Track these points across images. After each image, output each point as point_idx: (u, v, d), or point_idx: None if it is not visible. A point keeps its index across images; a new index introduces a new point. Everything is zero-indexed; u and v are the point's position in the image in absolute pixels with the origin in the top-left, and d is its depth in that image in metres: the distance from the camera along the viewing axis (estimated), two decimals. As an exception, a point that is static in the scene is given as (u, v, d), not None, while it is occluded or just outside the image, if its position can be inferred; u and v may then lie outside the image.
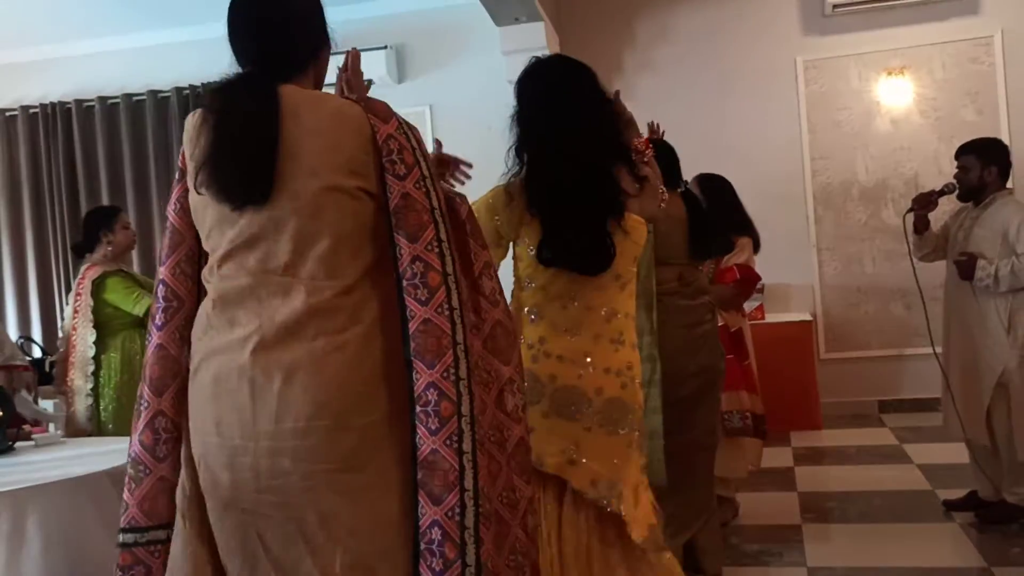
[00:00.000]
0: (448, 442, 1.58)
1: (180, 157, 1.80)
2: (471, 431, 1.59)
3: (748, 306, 5.71)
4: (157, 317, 1.77)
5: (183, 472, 1.74)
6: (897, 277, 6.54)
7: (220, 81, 1.71)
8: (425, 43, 6.99)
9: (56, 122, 7.63)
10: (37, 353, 5.49)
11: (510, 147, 2.45)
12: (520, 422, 1.77)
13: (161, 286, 1.79)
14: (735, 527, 4.06)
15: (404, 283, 1.63)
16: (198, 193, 1.69)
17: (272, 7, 1.77)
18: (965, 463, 4.23)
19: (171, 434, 1.74)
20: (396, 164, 1.66)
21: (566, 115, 2.39)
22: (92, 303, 4.30)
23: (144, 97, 7.56)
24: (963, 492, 4.10)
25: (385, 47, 7.02)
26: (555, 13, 6.89)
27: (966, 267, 3.71)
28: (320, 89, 1.84)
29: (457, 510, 1.57)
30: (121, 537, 1.73)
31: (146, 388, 1.75)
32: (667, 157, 3.28)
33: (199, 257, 1.80)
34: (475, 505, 1.58)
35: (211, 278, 1.72)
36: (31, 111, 7.64)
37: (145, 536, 1.73)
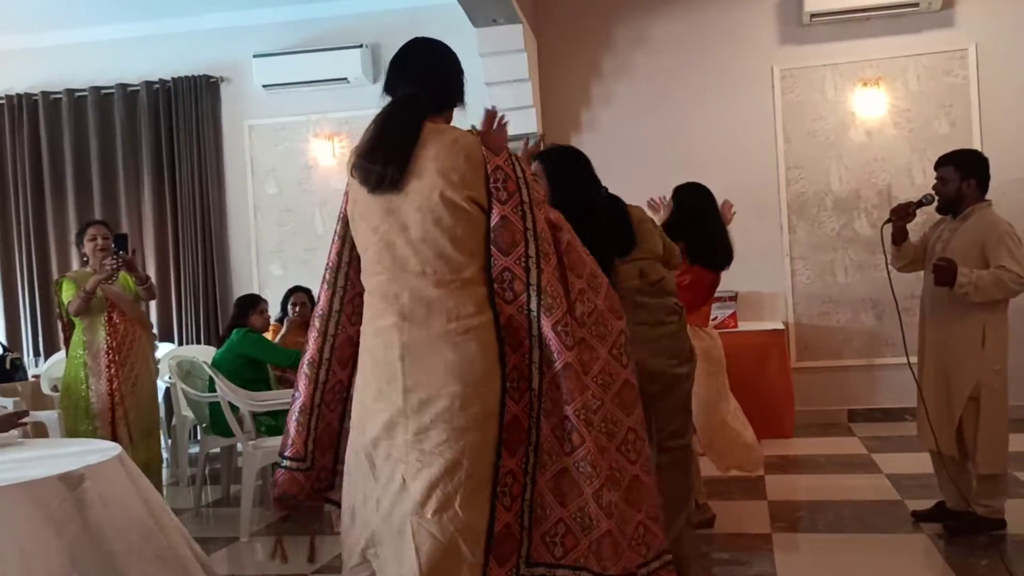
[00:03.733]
0: (525, 410, 2.11)
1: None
2: (539, 402, 2.11)
3: (722, 313, 5.70)
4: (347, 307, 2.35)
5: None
6: (869, 287, 6.58)
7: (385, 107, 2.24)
8: (400, 42, 6.85)
9: (22, 114, 7.50)
10: (-3, 350, 5.38)
11: None
12: (626, 367, 2.25)
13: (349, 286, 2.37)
14: (705, 535, 4.03)
15: (495, 287, 2.12)
16: (351, 176, 2.22)
17: (438, 57, 2.34)
18: (933, 473, 4.24)
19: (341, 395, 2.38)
20: (500, 191, 2.12)
21: None
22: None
23: (113, 91, 7.44)
24: (931, 502, 4.10)
25: (360, 46, 6.96)
26: (533, 16, 6.86)
27: (945, 272, 3.65)
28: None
29: (527, 455, 2.12)
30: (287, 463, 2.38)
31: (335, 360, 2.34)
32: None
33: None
34: (536, 455, 2.11)
35: (367, 276, 2.22)
36: (-4, 102, 7.50)
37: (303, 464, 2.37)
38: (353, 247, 2.31)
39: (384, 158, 2.12)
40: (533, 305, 2.09)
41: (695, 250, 4.13)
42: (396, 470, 2.08)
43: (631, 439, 2.24)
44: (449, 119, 2.31)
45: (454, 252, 2.09)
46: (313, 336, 2.35)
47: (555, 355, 2.09)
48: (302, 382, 2.35)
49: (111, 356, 4.58)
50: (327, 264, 2.38)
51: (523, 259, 2.10)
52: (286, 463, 2.36)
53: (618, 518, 2.13)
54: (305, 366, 2.35)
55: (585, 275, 2.22)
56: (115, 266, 4.52)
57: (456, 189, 2.09)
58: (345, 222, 2.34)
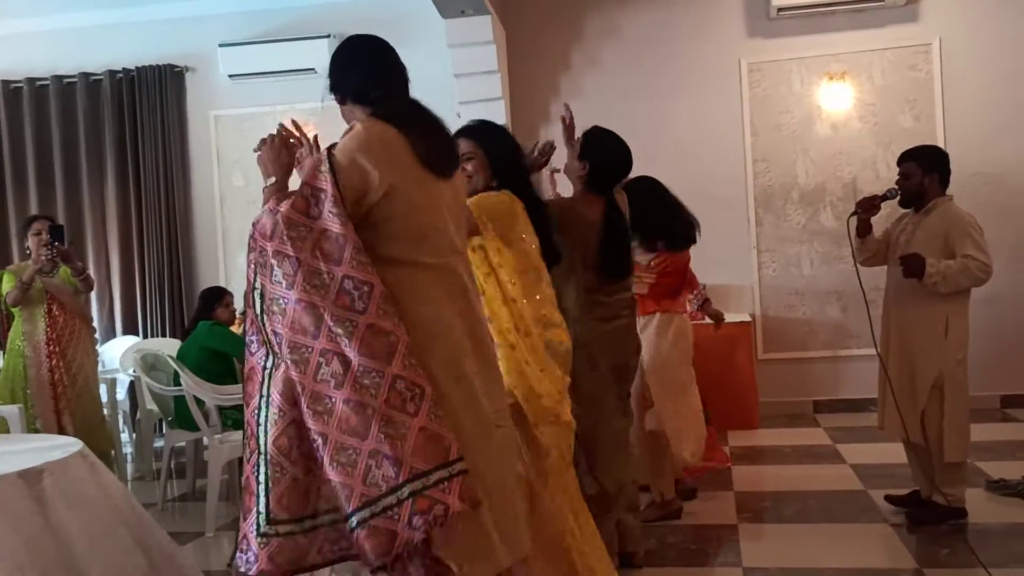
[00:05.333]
0: None
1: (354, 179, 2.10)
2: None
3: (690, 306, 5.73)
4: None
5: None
6: (834, 279, 6.64)
7: (396, 104, 2.25)
8: (369, 33, 6.84)
9: (-19, 103, 7.35)
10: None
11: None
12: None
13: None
14: (672, 527, 4.06)
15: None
16: (423, 169, 2.18)
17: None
18: (897, 463, 4.31)
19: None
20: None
21: None
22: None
23: (75, 80, 7.32)
24: (896, 492, 4.17)
25: (328, 36, 6.90)
26: (502, 7, 6.83)
27: (914, 264, 3.72)
28: None
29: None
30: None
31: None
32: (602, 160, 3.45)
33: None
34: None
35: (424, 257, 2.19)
36: (-45, 91, 7.35)
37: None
38: None
39: (445, 151, 2.28)
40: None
41: (669, 239, 4.20)
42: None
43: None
44: None
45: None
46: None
47: None
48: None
49: (51, 347, 4.69)
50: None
51: None
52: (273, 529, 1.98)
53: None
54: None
55: None
56: (49, 256, 4.61)
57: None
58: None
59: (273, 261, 2.04)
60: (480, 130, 2.87)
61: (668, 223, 4.18)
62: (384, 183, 2.07)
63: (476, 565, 2.04)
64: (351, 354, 1.96)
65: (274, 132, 2.35)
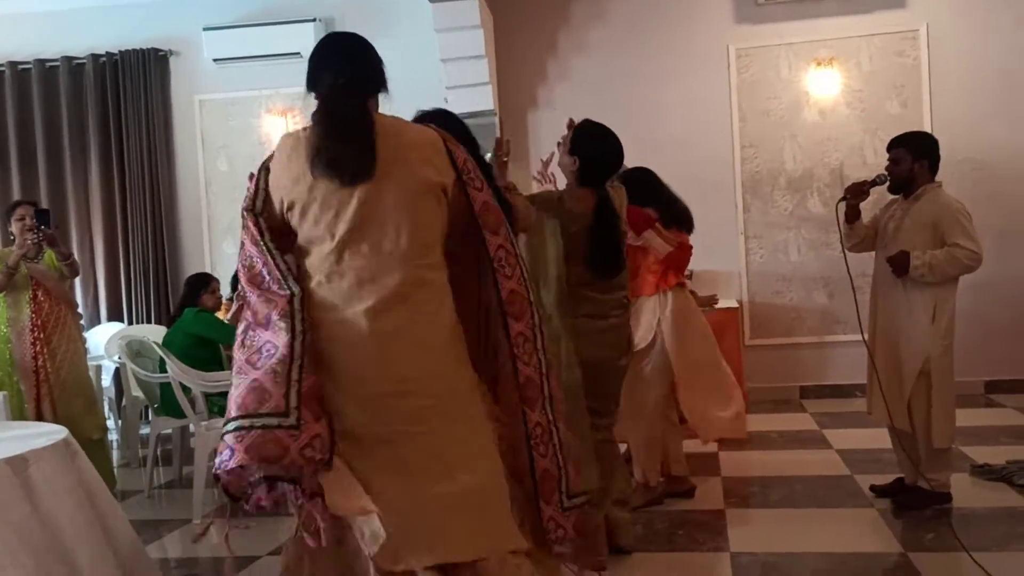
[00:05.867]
0: (536, 368, 2.28)
1: (255, 184, 2.24)
2: (546, 359, 2.30)
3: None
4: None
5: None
6: (821, 266, 6.67)
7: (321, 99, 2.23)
8: (355, 17, 6.82)
9: (-37, 87, 7.26)
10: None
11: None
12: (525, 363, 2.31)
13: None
14: (659, 512, 4.07)
15: (494, 264, 2.26)
16: (313, 177, 2.13)
17: (360, 45, 2.31)
18: (882, 448, 4.32)
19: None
20: (474, 180, 2.27)
21: None
22: None
23: (58, 63, 7.24)
24: (881, 477, 4.19)
25: (314, 20, 6.85)
26: (489, -9, 6.79)
27: (899, 263, 3.77)
28: None
29: (545, 408, 2.29)
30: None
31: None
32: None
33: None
34: (552, 404, 2.30)
35: (333, 264, 2.17)
36: (-65, 74, 7.25)
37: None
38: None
39: (357, 149, 2.13)
40: (526, 275, 2.31)
41: (667, 216, 4.21)
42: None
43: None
44: (376, 107, 2.31)
45: (422, 238, 2.18)
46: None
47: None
48: (273, 334, 2.11)
49: (36, 334, 4.66)
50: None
51: (507, 235, 2.31)
52: (258, 422, 1.99)
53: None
54: (277, 319, 2.13)
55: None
56: (36, 240, 4.59)
57: (431, 176, 2.19)
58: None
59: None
60: (436, 118, 2.78)
61: (661, 197, 4.21)
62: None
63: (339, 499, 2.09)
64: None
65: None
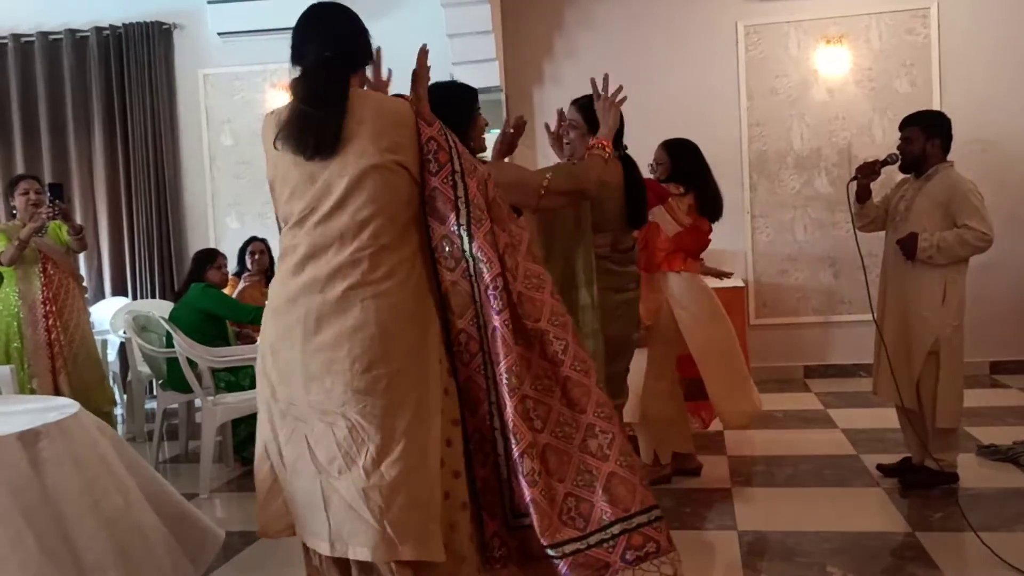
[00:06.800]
0: (479, 370, 2.14)
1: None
2: (491, 361, 2.13)
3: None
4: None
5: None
6: (827, 245, 6.64)
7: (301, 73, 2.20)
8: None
9: (-35, 60, 7.21)
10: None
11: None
12: (560, 364, 2.17)
13: None
14: (666, 490, 4.08)
15: (435, 255, 2.16)
16: (276, 149, 2.13)
17: (345, 17, 2.27)
18: (888, 428, 4.33)
19: None
20: (431, 163, 2.14)
21: None
22: None
23: (61, 36, 7.19)
24: (888, 457, 4.19)
25: (319, -6, 6.77)
26: (496, -34, 6.72)
27: (908, 246, 3.77)
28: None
29: (489, 414, 2.15)
30: None
31: None
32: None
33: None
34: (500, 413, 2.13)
35: (290, 240, 2.13)
36: (-63, 46, 7.20)
37: None
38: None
39: (319, 127, 2.08)
40: (472, 270, 2.14)
41: (702, 202, 4.22)
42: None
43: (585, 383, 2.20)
44: (362, 81, 2.27)
45: (378, 218, 2.07)
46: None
47: (491, 315, 2.14)
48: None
49: (48, 307, 4.67)
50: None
51: (456, 227, 2.14)
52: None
53: (551, 483, 2.14)
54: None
55: (510, 230, 2.23)
56: (51, 215, 4.57)
57: (385, 154, 2.08)
58: None
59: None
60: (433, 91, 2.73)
61: (704, 180, 4.21)
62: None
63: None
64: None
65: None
